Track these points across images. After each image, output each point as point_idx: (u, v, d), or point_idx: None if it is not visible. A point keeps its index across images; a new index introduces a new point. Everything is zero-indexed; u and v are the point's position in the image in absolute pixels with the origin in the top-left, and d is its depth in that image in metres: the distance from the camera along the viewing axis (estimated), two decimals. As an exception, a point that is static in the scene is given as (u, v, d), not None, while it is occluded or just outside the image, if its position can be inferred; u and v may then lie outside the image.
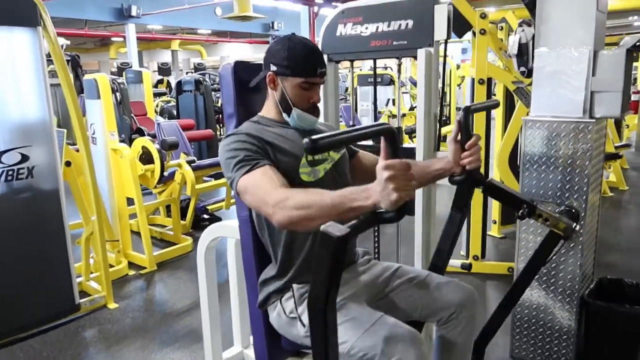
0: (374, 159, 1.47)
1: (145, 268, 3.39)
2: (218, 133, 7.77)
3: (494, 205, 3.73)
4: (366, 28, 1.85)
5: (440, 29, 1.66)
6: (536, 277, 1.95)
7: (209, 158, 5.10)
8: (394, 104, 7.61)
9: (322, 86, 1.38)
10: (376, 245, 2.30)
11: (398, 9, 1.77)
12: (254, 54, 20.10)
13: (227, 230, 1.72)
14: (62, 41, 4.59)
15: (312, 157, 1.32)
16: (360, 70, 9.16)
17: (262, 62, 1.39)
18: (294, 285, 1.32)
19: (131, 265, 3.43)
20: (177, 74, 17.77)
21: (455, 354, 1.35)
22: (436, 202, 1.94)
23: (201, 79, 6.23)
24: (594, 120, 1.77)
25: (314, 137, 0.88)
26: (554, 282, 1.94)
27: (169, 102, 9.28)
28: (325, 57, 2.03)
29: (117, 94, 5.12)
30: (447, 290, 1.35)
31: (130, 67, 10.35)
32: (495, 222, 3.82)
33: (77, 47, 17.77)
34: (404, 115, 6.38)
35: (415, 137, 5.92)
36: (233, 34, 17.34)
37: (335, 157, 1.38)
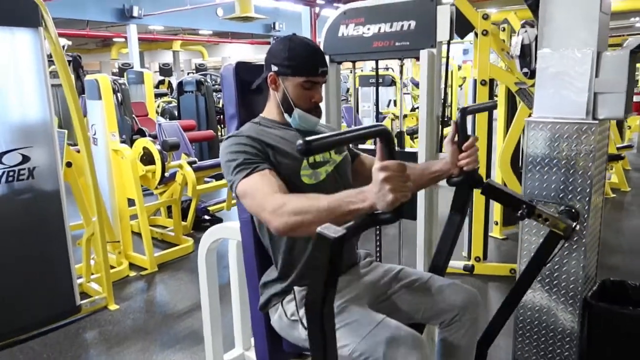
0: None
1: (146, 269, 3.39)
2: (219, 134, 7.76)
3: (496, 207, 3.73)
4: (368, 29, 1.84)
5: (442, 30, 1.65)
6: (539, 278, 1.94)
7: (210, 159, 5.10)
8: (395, 104, 7.61)
9: (323, 87, 1.38)
10: (378, 247, 2.29)
11: (400, 10, 1.76)
12: (256, 54, 20.12)
13: (229, 231, 1.71)
14: (64, 42, 4.59)
15: (314, 159, 1.31)
16: (362, 71, 9.16)
17: (263, 62, 1.39)
18: (295, 288, 1.31)
19: (132, 266, 3.42)
20: (178, 74, 17.78)
21: (458, 357, 1.34)
22: (438, 203, 1.93)
23: (202, 79, 6.23)
24: (597, 122, 1.75)
25: (307, 138, 0.87)
26: (557, 284, 1.93)
27: (170, 102, 9.29)
28: (327, 58, 2.03)
29: (119, 94, 5.13)
30: (450, 292, 1.34)
31: (132, 67, 10.37)
32: (497, 224, 3.81)
33: (78, 48, 17.80)
34: (405, 116, 6.37)
35: (416, 138, 5.94)
36: (234, 34, 17.36)
37: (337, 159, 1.37)
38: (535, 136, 1.88)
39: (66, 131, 2.74)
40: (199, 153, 5.66)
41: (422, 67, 1.73)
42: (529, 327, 2.03)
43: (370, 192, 0.97)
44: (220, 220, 4.31)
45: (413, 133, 5.85)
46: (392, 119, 5.77)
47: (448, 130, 1.47)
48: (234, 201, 4.12)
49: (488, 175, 3.19)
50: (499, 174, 3.29)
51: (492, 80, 3.01)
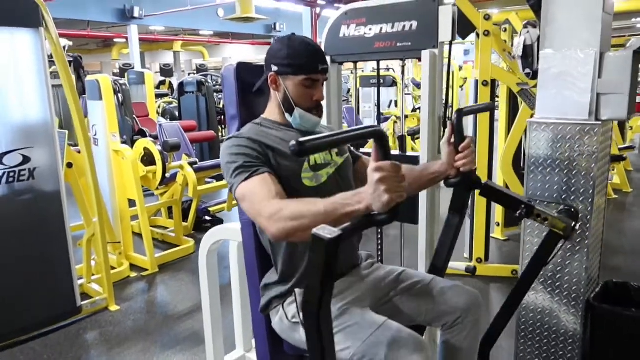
0: None
1: (146, 270, 3.38)
2: (220, 134, 7.77)
3: (497, 208, 3.71)
4: (370, 29, 1.84)
5: (445, 30, 1.65)
6: (541, 280, 1.93)
7: (211, 159, 5.09)
8: (396, 105, 7.60)
9: (325, 88, 1.37)
10: (379, 248, 2.29)
11: (402, 10, 1.75)
12: (256, 55, 20.13)
13: (229, 233, 1.71)
14: (64, 42, 4.59)
15: (314, 161, 1.30)
16: (362, 71, 9.16)
17: (264, 63, 1.38)
18: (296, 290, 1.30)
19: (133, 267, 3.42)
20: (179, 75, 17.79)
21: (460, 359, 1.33)
22: (440, 205, 1.92)
23: (203, 80, 6.24)
24: (600, 123, 1.74)
25: (301, 139, 0.86)
26: (559, 285, 1.92)
27: (171, 103, 9.29)
28: (328, 58, 2.02)
29: (119, 95, 5.13)
30: (452, 294, 1.33)
31: (133, 68, 10.36)
32: (498, 225, 3.81)
33: (79, 48, 17.82)
34: (406, 117, 6.35)
35: (417, 138, 5.92)
36: (235, 35, 17.36)
37: (338, 161, 1.37)
38: (538, 137, 1.87)
39: (67, 132, 2.73)
40: (200, 154, 5.66)
41: (424, 68, 1.72)
42: (531, 328, 2.02)
43: (365, 193, 0.97)
44: (221, 221, 4.30)
45: (414, 134, 5.84)
46: (395, 122, 5.74)
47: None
48: (234, 202, 4.11)
49: (490, 176, 3.18)
50: (501, 175, 3.28)
51: (493, 81, 3.01)
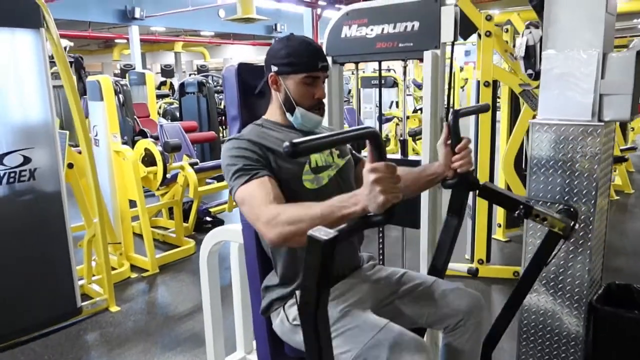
0: None
1: (147, 271, 3.38)
2: (221, 135, 7.76)
3: (499, 209, 3.71)
4: (371, 30, 1.83)
5: (447, 30, 1.64)
6: (543, 282, 1.92)
7: (212, 160, 5.09)
8: (397, 106, 7.59)
9: (326, 89, 1.36)
10: (381, 249, 2.28)
11: (404, 11, 1.74)
12: (257, 56, 20.14)
13: (230, 234, 1.70)
14: (65, 43, 4.59)
15: (315, 163, 1.30)
16: (363, 72, 9.15)
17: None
18: (297, 292, 1.29)
19: (133, 268, 3.41)
20: (180, 75, 17.80)
21: (462, 362, 1.32)
22: (442, 206, 1.91)
23: (204, 81, 6.24)
24: (602, 124, 1.74)
25: (294, 140, 0.86)
26: (562, 287, 1.91)
27: (171, 104, 9.30)
28: (329, 59, 2.01)
29: (120, 95, 5.13)
30: (454, 297, 1.32)
31: (134, 68, 10.37)
32: (500, 226, 3.80)
33: (80, 49, 17.84)
34: (407, 118, 6.35)
35: (418, 139, 5.92)
36: (236, 36, 17.37)
37: (340, 163, 1.36)
38: (540, 138, 1.86)
39: (68, 132, 2.73)
40: (201, 154, 5.65)
41: (426, 69, 1.71)
42: (533, 330, 2.01)
43: (361, 194, 0.97)
44: (221, 222, 4.30)
45: (415, 135, 5.83)
46: (397, 123, 5.72)
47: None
48: (235, 203, 4.13)
49: (491, 177, 3.17)
50: (502, 176, 3.28)
51: (495, 82, 3.00)
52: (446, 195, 1.91)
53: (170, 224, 4.15)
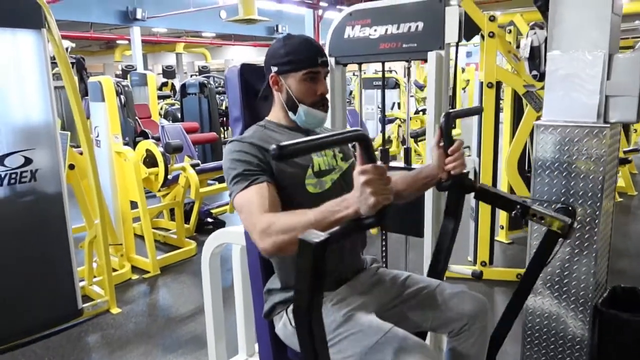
0: None
1: (148, 272, 3.37)
2: (222, 136, 7.75)
3: (502, 211, 3.69)
4: (375, 30, 1.82)
5: (451, 31, 1.63)
6: (548, 284, 1.91)
7: (213, 161, 5.08)
8: (399, 107, 7.58)
9: (328, 90, 1.35)
10: (384, 251, 2.26)
11: (408, 11, 1.73)
12: (258, 57, 20.14)
13: (232, 236, 1.69)
14: (67, 44, 4.59)
15: (319, 167, 1.29)
16: (365, 73, 9.15)
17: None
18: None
19: (134, 269, 3.40)
20: (181, 76, 17.81)
21: (467, 366, 1.30)
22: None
23: (205, 82, 6.23)
24: (608, 125, 1.72)
25: (282, 143, 0.86)
26: (567, 290, 1.90)
27: (173, 105, 9.29)
28: (332, 60, 2.00)
29: (122, 96, 5.13)
30: (459, 301, 1.31)
31: (135, 69, 10.37)
32: (502, 228, 3.78)
33: (82, 50, 17.87)
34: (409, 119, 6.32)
35: (420, 141, 5.90)
36: (237, 37, 17.37)
37: (343, 166, 1.35)
38: (545, 139, 1.85)
39: (69, 133, 2.72)
40: (202, 155, 5.65)
41: (430, 70, 1.70)
42: (538, 333, 1.99)
43: (352, 197, 0.98)
44: (223, 223, 4.29)
45: (417, 136, 5.81)
46: (399, 125, 5.71)
47: (454, 133, 1.44)
48: (237, 204, 4.12)
49: (495, 178, 3.16)
50: (506, 178, 3.26)
51: (498, 83, 2.98)
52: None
53: (172, 225, 4.14)
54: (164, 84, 13.14)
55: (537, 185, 1.90)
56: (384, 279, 1.39)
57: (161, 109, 8.71)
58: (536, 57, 2.44)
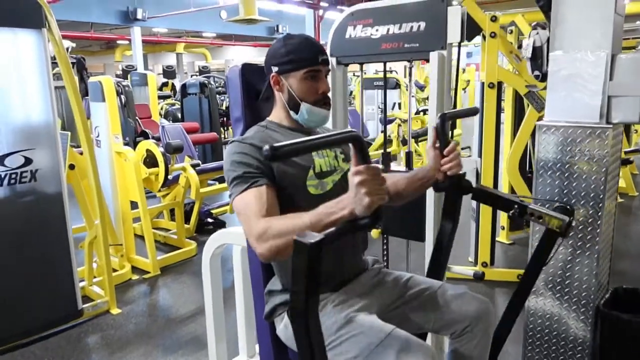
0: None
1: (148, 272, 3.36)
2: (222, 136, 7.75)
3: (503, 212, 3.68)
4: (376, 30, 1.81)
5: (453, 31, 1.62)
6: (550, 285, 1.90)
7: (214, 161, 5.08)
8: (399, 107, 7.57)
9: (330, 88, 1.34)
10: (385, 251, 2.26)
11: (410, 11, 1.73)
12: (259, 57, 20.13)
13: (233, 237, 1.68)
14: (68, 44, 4.58)
15: (320, 168, 1.28)
16: (365, 73, 9.13)
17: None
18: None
19: (134, 269, 3.39)
20: (181, 76, 17.81)
21: (469, 368, 1.30)
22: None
23: (206, 82, 6.22)
24: (611, 126, 1.71)
25: (275, 144, 0.86)
26: (569, 291, 1.89)
27: (173, 105, 9.28)
28: (333, 60, 2.00)
29: (122, 96, 5.13)
30: (461, 302, 1.30)
31: (135, 70, 10.37)
32: (503, 228, 3.77)
33: (82, 50, 17.87)
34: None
35: (421, 141, 5.89)
36: (238, 37, 17.38)
37: (345, 167, 1.34)
38: (547, 140, 1.84)
39: (69, 133, 2.72)
40: (202, 155, 5.64)
41: (432, 70, 1.69)
42: (539, 335, 1.99)
43: (347, 198, 0.98)
44: (223, 223, 4.28)
45: (418, 136, 5.81)
46: (399, 124, 5.70)
47: (456, 133, 1.43)
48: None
49: (496, 179, 3.15)
50: (507, 179, 3.25)
51: (500, 83, 2.98)
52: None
53: (172, 226, 4.13)
54: (165, 84, 13.14)
55: (539, 185, 1.90)
56: (386, 280, 1.39)
57: (161, 109, 8.70)
58: (538, 58, 2.44)
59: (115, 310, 2.81)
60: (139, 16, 11.64)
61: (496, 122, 3.05)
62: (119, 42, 16.63)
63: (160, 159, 3.57)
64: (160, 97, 8.88)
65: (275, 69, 1.30)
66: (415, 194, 1.42)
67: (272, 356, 1.41)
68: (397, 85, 7.67)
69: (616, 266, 3.23)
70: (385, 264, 2.26)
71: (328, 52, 1.92)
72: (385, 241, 2.26)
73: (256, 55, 20.70)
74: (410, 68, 2.02)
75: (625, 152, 4.93)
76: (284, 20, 14.84)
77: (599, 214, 1.78)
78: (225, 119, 8.59)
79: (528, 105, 2.95)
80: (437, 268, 1.48)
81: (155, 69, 20.92)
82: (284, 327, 1.30)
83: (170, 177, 3.68)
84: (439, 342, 1.85)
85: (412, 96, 8.94)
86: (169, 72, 14.48)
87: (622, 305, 1.88)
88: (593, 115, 1.73)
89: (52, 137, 2.45)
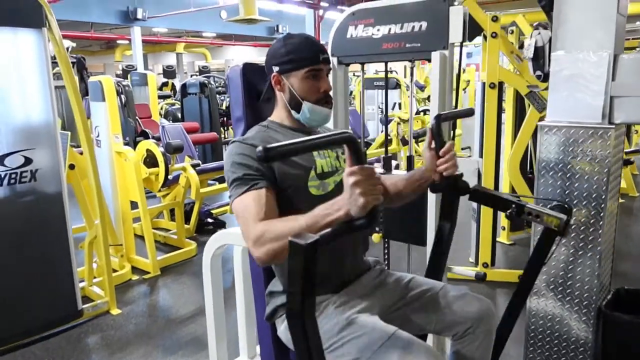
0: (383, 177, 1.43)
1: (148, 273, 3.35)
2: (222, 136, 7.74)
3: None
4: (378, 30, 1.81)
5: (455, 31, 1.62)
6: (551, 287, 1.90)
7: (214, 161, 5.07)
8: (400, 107, 7.56)
9: (331, 87, 1.34)
10: (386, 252, 2.25)
11: (411, 11, 1.72)
12: (259, 57, 20.12)
13: (234, 237, 1.67)
14: (68, 43, 4.58)
15: (322, 169, 1.28)
16: (365, 73, 9.12)
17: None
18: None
19: (135, 269, 3.39)
20: (181, 76, 17.81)
21: (471, 370, 1.29)
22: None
23: (206, 81, 6.22)
24: (613, 126, 1.71)
25: (268, 145, 0.86)
26: (570, 292, 1.88)
27: (173, 104, 9.28)
28: (335, 60, 1.99)
29: (122, 96, 5.12)
30: (463, 303, 1.29)
31: (135, 69, 10.37)
32: (504, 229, 3.76)
33: (82, 50, 17.86)
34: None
35: (422, 141, 5.88)
36: (238, 37, 17.37)
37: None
38: (549, 140, 1.83)
39: (69, 133, 2.71)
40: (203, 155, 5.63)
41: (434, 70, 1.69)
42: (541, 336, 1.98)
43: (343, 199, 0.98)
44: (223, 223, 4.28)
45: (418, 136, 5.80)
46: (398, 123, 5.70)
47: (456, 133, 1.43)
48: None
49: (497, 180, 3.14)
50: (507, 179, 3.25)
51: (501, 84, 2.97)
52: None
53: (172, 226, 4.12)
54: (165, 84, 13.14)
55: (540, 186, 1.89)
56: (387, 281, 1.38)
57: (161, 108, 8.70)
58: (540, 58, 2.43)
59: (115, 311, 2.80)
60: (139, 16, 11.63)
61: (497, 123, 3.05)
62: (119, 42, 16.62)
63: (160, 159, 3.56)
64: (160, 97, 8.88)
65: (276, 68, 1.30)
66: (414, 195, 1.41)
67: (273, 357, 1.40)
68: (397, 86, 7.66)
69: (618, 267, 3.22)
70: (386, 265, 2.25)
71: (329, 51, 1.92)
72: (386, 244, 2.26)
73: (256, 55, 20.69)
74: (412, 68, 2.02)
75: (626, 153, 4.92)
76: (284, 20, 14.83)
77: (601, 214, 1.78)
78: (225, 118, 8.58)
79: (529, 105, 2.94)
80: (436, 269, 1.48)
81: (155, 69, 20.92)
82: (285, 328, 1.29)
83: (170, 177, 3.68)
84: (441, 343, 1.85)
85: (413, 96, 8.96)
86: (169, 72, 14.48)
87: (624, 307, 1.87)
88: (595, 115, 1.72)
89: (52, 137, 2.44)
